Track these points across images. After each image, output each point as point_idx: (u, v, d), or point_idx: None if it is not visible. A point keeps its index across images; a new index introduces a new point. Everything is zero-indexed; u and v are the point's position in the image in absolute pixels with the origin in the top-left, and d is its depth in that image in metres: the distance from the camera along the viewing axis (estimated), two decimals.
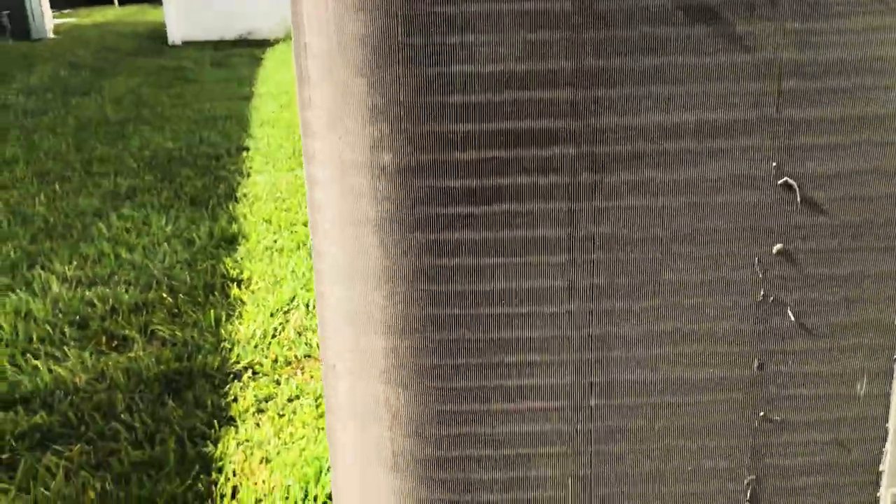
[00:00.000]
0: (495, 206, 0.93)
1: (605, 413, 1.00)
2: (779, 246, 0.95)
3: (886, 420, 1.01)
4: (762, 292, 0.96)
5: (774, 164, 0.93)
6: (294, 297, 3.08)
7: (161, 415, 2.34)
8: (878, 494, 1.03)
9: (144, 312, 2.98)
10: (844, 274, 0.96)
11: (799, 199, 0.94)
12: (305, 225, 3.93)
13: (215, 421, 2.29)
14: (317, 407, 2.32)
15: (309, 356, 2.65)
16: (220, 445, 2.18)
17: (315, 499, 1.91)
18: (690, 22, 0.89)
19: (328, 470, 1.97)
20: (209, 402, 2.39)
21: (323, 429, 2.21)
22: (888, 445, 1.01)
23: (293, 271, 3.37)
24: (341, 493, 1.12)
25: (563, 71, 0.90)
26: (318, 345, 2.70)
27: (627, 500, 1.03)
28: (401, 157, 0.92)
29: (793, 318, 0.97)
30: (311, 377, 2.52)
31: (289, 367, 2.61)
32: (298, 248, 3.67)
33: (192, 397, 2.44)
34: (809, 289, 0.96)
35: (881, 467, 1.02)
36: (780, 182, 0.93)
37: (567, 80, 0.90)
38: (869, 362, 0.99)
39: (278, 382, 2.51)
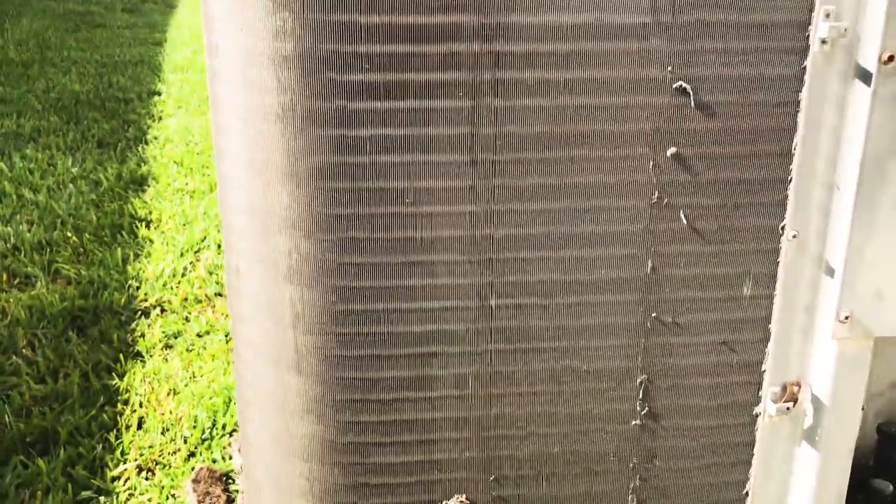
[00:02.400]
0: (397, 102, 0.93)
1: (505, 313, 1.02)
2: (672, 149, 0.98)
3: (769, 322, 1.06)
4: (656, 195, 1.00)
5: (669, 68, 0.95)
6: (205, 237, 3.03)
7: (65, 350, 2.28)
8: (760, 393, 1.09)
9: (48, 251, 2.88)
10: (735, 179, 1.00)
11: (693, 103, 0.97)
12: None
13: (121, 356, 2.24)
14: (227, 342, 2.30)
15: (220, 294, 2.62)
16: (125, 379, 2.14)
17: (223, 427, 1.90)
18: None
19: None
20: (115, 338, 2.34)
21: (231, 363, 2.19)
22: (770, 345, 1.07)
23: (205, 213, 3.30)
24: (245, 393, 1.12)
25: None
26: None
27: (527, 397, 1.06)
28: (303, 46, 0.92)
29: (685, 222, 1.01)
30: (223, 315, 2.49)
31: (199, 305, 2.57)
32: (211, 190, 3.59)
33: (97, 333, 2.38)
34: (701, 193, 1.00)
35: (764, 367, 1.08)
36: (675, 86, 0.96)
37: None
38: (755, 266, 1.04)
39: (188, 319, 2.48)
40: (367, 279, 0.99)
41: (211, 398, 2.00)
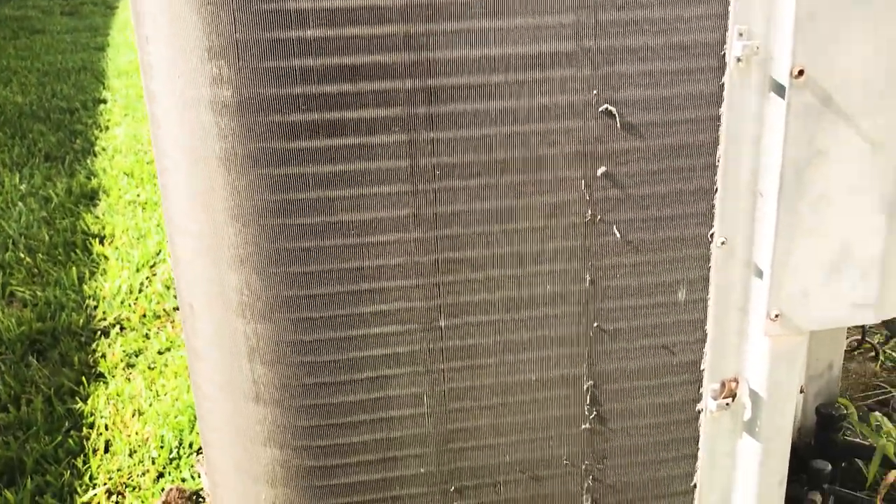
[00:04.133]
0: (337, 139, 0.97)
1: (454, 332, 1.06)
2: (603, 169, 1.03)
3: (705, 323, 1.12)
4: (590, 213, 1.04)
5: (595, 92, 1.00)
6: (160, 251, 3.02)
7: (25, 376, 2.28)
8: (700, 391, 1.15)
9: (1, 274, 2.86)
10: (664, 192, 1.05)
11: (619, 124, 1.01)
12: None
13: (83, 378, 2.25)
14: None
15: (178, 308, 2.63)
16: (89, 402, 2.15)
17: (190, 445, 1.92)
18: None
19: None
20: (76, 360, 2.35)
21: None
22: (707, 345, 1.13)
23: (158, 224, 3.29)
24: (206, 421, 1.15)
25: (397, 5, 0.93)
26: None
27: (479, 411, 1.10)
28: (241, 92, 0.94)
29: (618, 236, 1.06)
30: (182, 330, 2.50)
31: (158, 321, 2.58)
32: None
33: (57, 356, 2.38)
34: (633, 208, 1.05)
35: (702, 366, 1.14)
36: (601, 109, 1.00)
37: (401, 15, 0.94)
38: (688, 272, 1.09)
39: (148, 336, 2.49)
40: (320, 310, 1.02)
41: (176, 417, 2.02)
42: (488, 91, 0.98)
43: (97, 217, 3.39)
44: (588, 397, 1.12)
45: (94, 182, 3.80)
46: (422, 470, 1.11)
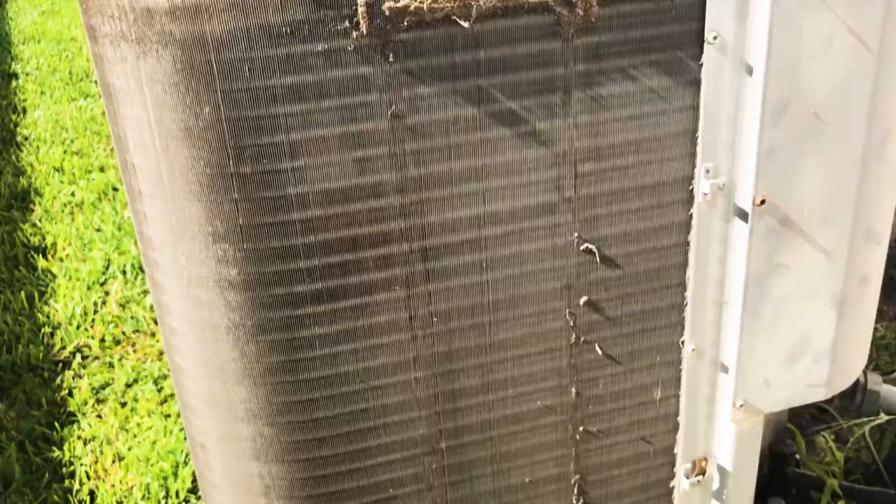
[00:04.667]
0: (341, 302, 1.02)
1: (455, 452, 1.15)
2: (584, 298, 1.11)
3: (678, 415, 1.22)
4: (573, 336, 1.12)
5: (576, 234, 1.07)
6: (108, 265, 3.00)
7: None
8: (675, 470, 1.26)
9: None
10: (640, 311, 1.14)
11: (598, 259, 1.09)
12: (102, 170, 3.76)
13: (55, 421, 2.27)
14: (158, 391, 2.35)
15: (138, 331, 2.64)
16: (66, 447, 2.18)
17: (177, 494, 1.98)
18: (495, 126, 0.98)
19: (185, 463, 2.04)
20: (43, 400, 2.36)
21: (169, 416, 2.25)
22: (680, 433, 1.24)
23: (99, 230, 3.25)
24: None
25: (389, 181, 0.98)
26: (145, 317, 2.68)
27: None
28: (247, 270, 0.98)
29: (600, 353, 1.14)
30: (146, 356, 2.52)
31: (119, 347, 2.58)
32: (100, 199, 3.52)
33: (22, 396, 2.38)
34: (612, 327, 1.13)
35: (675, 450, 1.25)
36: (581, 248, 1.07)
37: (393, 188, 0.98)
38: (662, 374, 1.19)
39: (111, 365, 2.50)
40: (327, 449, 1.09)
41: (158, 462, 2.07)
42: (478, 244, 1.03)
43: (35, 225, 3.32)
44: (575, 489, 1.23)
45: (24, 181, 3.70)
46: None
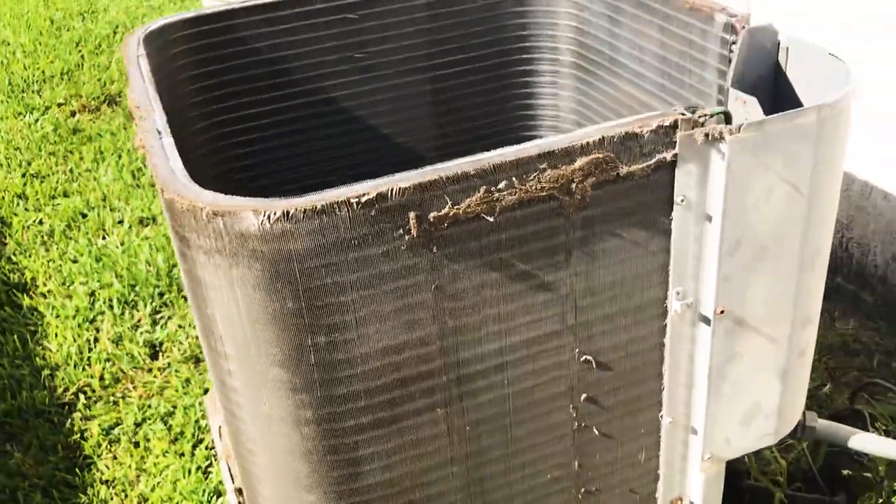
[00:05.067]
0: (394, 426, 1.26)
1: None
2: (584, 395, 1.37)
3: (658, 469, 1.51)
4: (576, 424, 1.39)
5: (577, 350, 1.32)
6: (94, 299, 3.14)
7: (10, 469, 2.45)
8: None
9: None
10: (627, 398, 1.40)
11: (594, 365, 1.35)
12: (66, 195, 3.84)
13: (73, 465, 2.45)
14: (168, 429, 2.55)
15: (136, 367, 2.81)
16: (90, 493, 2.37)
17: None
18: (513, 283, 1.22)
19: (209, 502, 2.26)
20: (57, 445, 2.53)
21: (182, 454, 2.45)
22: (660, 483, 1.52)
23: (76, 261, 3.37)
24: None
25: (432, 333, 1.21)
26: (140, 353, 2.85)
27: None
28: (319, 412, 1.21)
29: (597, 433, 1.41)
30: (147, 392, 2.70)
31: (120, 385, 2.76)
32: (69, 227, 3.62)
33: (36, 442, 2.55)
34: (606, 413, 1.40)
35: (657, 495, 1.54)
36: (581, 360, 1.33)
37: (435, 337, 1.21)
38: (646, 441, 1.47)
39: (115, 404, 2.68)
40: None
41: (183, 502, 2.29)
42: (501, 368, 1.28)
43: (10, 260, 3.42)
44: None
45: None
46: None
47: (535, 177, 1.14)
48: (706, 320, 1.36)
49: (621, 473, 1.48)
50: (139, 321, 3.02)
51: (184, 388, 2.69)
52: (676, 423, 1.47)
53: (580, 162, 1.16)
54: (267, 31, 1.91)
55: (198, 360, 2.81)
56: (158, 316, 3.04)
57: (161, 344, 2.91)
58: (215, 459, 2.37)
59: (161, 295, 3.13)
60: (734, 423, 1.48)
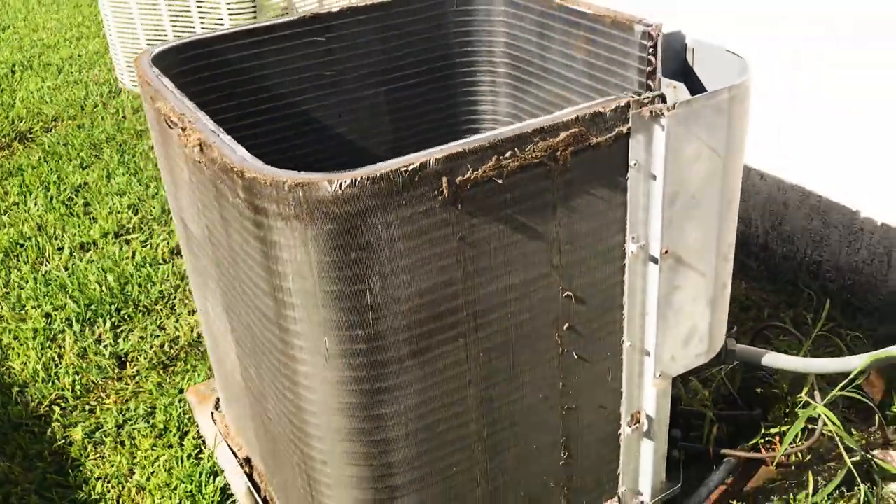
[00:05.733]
0: (428, 354, 1.56)
1: (491, 437, 1.73)
2: (566, 324, 1.71)
3: (621, 387, 1.87)
4: (561, 349, 1.73)
5: (561, 287, 1.67)
6: (51, 320, 3.26)
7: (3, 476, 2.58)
8: (620, 423, 1.92)
9: None
10: (598, 326, 1.76)
11: (573, 300, 1.70)
12: None
13: (63, 468, 2.60)
14: (151, 427, 2.73)
15: (106, 377, 2.97)
16: (86, 489, 2.53)
17: None
18: (514, 233, 1.56)
19: (208, 482, 2.46)
20: (43, 452, 2.67)
21: (171, 446, 2.64)
22: (622, 399, 1.88)
23: (22, 287, 3.47)
24: None
25: (457, 276, 1.53)
26: (109, 365, 3.01)
27: None
28: (372, 345, 1.51)
29: (575, 357, 1.76)
30: (121, 398, 2.87)
31: (93, 394, 2.91)
32: (7, 256, 3.70)
33: (19, 453, 2.68)
34: (583, 340, 1.75)
35: (620, 410, 1.90)
36: (564, 295, 1.68)
37: (459, 279, 1.53)
38: (611, 364, 1.82)
39: (92, 411, 2.84)
40: (409, 449, 1.64)
41: (181, 485, 2.49)
42: (506, 303, 1.61)
43: None
44: (563, 446, 1.85)
45: None
46: None
47: (531, 147, 1.49)
48: (654, 260, 1.74)
49: (593, 392, 1.84)
50: (101, 336, 3.18)
51: (158, 390, 2.88)
52: (634, 347, 1.84)
53: (563, 135, 1.51)
54: (250, 54, 2.19)
55: (166, 366, 3.00)
56: (119, 330, 3.20)
57: (126, 354, 3.08)
58: (205, 446, 2.58)
59: (118, 311, 3.29)
60: (677, 344, 1.86)
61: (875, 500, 2.09)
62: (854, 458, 2.18)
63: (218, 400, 2.53)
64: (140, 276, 3.46)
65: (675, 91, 1.86)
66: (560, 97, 2.29)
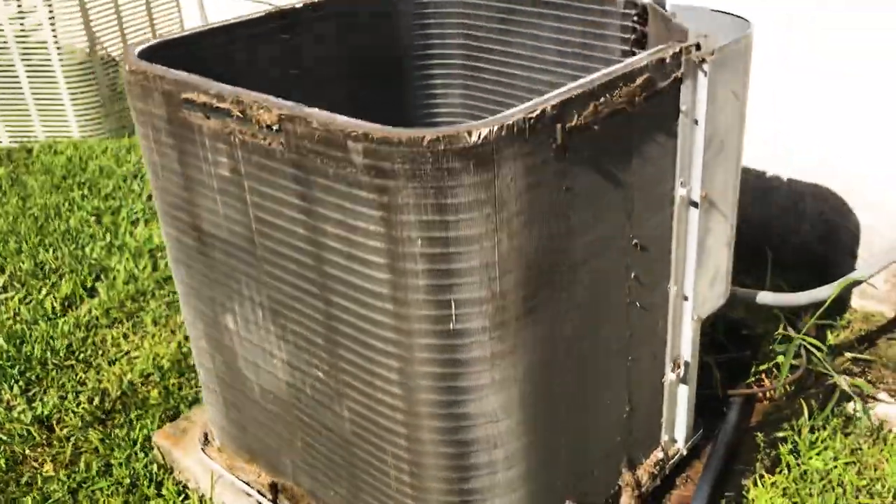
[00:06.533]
0: (539, 306, 1.55)
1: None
2: (633, 273, 1.77)
3: (666, 334, 1.95)
4: (628, 300, 1.78)
5: (631, 234, 1.72)
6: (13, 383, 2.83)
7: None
8: (665, 369, 1.99)
9: None
10: (655, 273, 1.83)
11: (639, 248, 1.76)
12: None
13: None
14: (118, 485, 2.43)
15: (35, 445, 2.62)
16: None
17: None
18: (603, 178, 1.60)
19: None
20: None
21: (149, 498, 2.37)
22: (667, 346, 1.96)
23: None
24: None
25: (563, 226, 1.54)
26: (33, 430, 2.66)
27: None
28: (502, 288, 1.48)
29: (639, 306, 1.82)
30: (60, 463, 2.54)
31: (25, 466, 2.56)
32: None
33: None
34: (644, 288, 1.82)
35: (665, 356, 1.98)
36: (633, 243, 1.74)
37: (565, 228, 1.55)
38: (661, 311, 1.90)
39: (30, 484, 2.49)
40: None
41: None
42: (595, 254, 1.64)
43: None
44: (627, 396, 1.89)
45: None
46: None
47: (617, 93, 1.54)
48: (695, 204, 1.85)
49: (650, 340, 1.90)
50: (9, 402, 2.81)
51: (105, 446, 2.59)
52: (679, 293, 1.93)
53: (639, 80, 1.58)
54: (220, 53, 2.07)
55: (103, 421, 2.71)
56: (31, 394, 2.85)
57: (49, 417, 2.75)
58: (188, 490, 2.36)
59: (23, 373, 2.93)
60: (706, 286, 1.98)
61: (866, 415, 2.32)
62: (833, 381, 2.40)
63: (206, 435, 2.32)
64: (36, 334, 3.10)
65: (704, 40, 1.99)
66: (530, 80, 2.36)
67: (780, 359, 2.42)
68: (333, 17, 2.28)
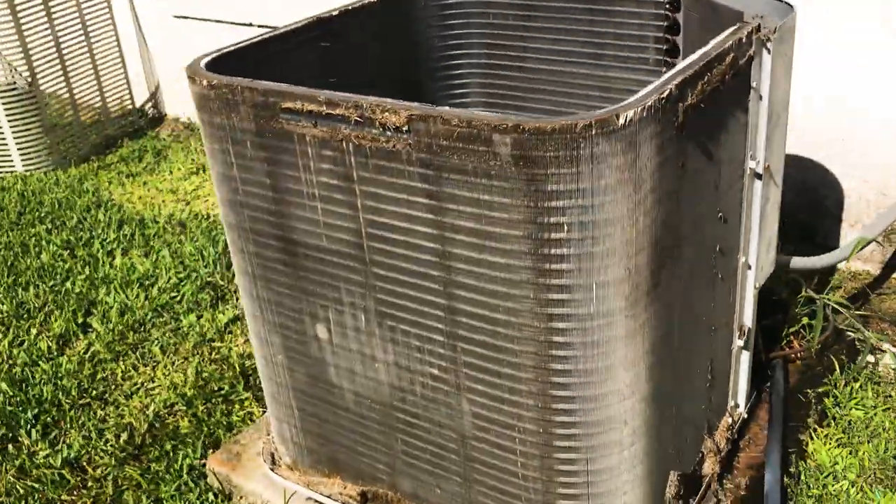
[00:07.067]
0: (653, 287, 1.61)
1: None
2: (717, 246, 1.85)
3: (735, 303, 2.04)
4: (712, 272, 1.86)
5: (718, 208, 1.80)
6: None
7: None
8: (732, 337, 2.09)
9: None
10: (731, 243, 1.92)
11: (724, 221, 1.84)
12: None
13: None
14: None
15: (70, 489, 2.49)
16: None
17: None
18: (703, 155, 1.67)
19: None
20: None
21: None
22: (735, 315, 2.06)
23: None
24: None
25: (676, 205, 1.60)
26: (65, 473, 2.54)
27: None
28: (639, 277, 1.53)
29: (719, 276, 1.90)
30: (101, 503, 2.44)
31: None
32: None
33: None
34: (723, 258, 1.90)
35: (734, 325, 2.07)
36: (719, 216, 1.82)
37: (676, 205, 1.61)
38: (732, 281, 1.99)
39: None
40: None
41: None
42: (697, 229, 1.71)
43: None
44: (708, 365, 1.97)
45: None
46: None
47: (715, 71, 1.62)
48: (759, 175, 1.95)
49: (725, 310, 1.99)
50: (30, 448, 2.67)
51: (147, 480, 2.50)
52: (745, 265, 2.02)
53: (728, 59, 1.66)
54: (275, 59, 2.06)
55: (136, 457, 2.62)
56: (52, 437, 2.72)
57: (77, 459, 2.63)
58: None
59: (37, 417, 2.79)
60: (765, 253, 2.09)
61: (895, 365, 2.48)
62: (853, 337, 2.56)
63: (273, 455, 2.28)
64: (41, 375, 2.95)
65: (762, 20, 2.09)
66: (570, 74, 2.42)
67: (808, 320, 2.56)
68: (368, 23, 2.29)
